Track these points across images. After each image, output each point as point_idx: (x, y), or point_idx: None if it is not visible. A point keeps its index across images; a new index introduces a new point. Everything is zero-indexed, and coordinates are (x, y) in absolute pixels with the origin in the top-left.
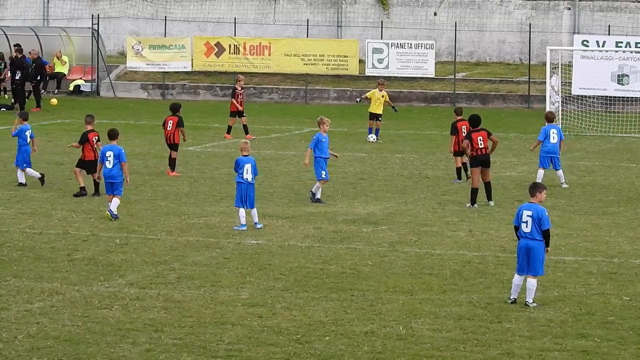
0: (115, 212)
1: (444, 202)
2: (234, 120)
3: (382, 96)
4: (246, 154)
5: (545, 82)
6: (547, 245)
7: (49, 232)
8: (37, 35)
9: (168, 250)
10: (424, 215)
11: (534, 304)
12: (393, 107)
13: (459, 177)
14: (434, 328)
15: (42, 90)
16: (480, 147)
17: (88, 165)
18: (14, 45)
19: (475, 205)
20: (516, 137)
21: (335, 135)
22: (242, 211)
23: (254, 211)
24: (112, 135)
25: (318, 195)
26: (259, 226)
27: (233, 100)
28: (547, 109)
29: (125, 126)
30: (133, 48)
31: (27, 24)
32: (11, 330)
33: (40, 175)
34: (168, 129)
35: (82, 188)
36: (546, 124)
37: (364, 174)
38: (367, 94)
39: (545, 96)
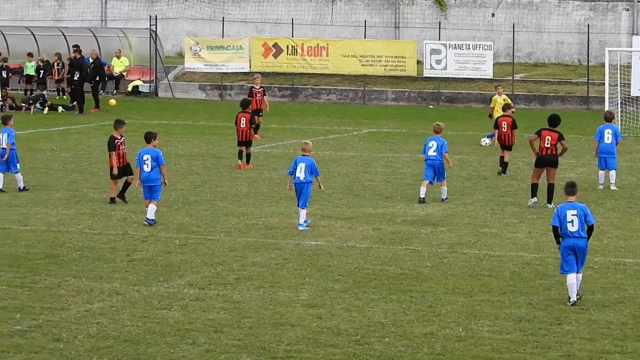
0: (153, 218)
1: (502, 204)
2: (258, 118)
3: (504, 100)
4: (306, 154)
5: (604, 83)
6: (588, 239)
7: (109, 232)
8: (95, 36)
9: (227, 251)
10: (483, 217)
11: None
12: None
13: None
14: (493, 330)
15: (101, 91)
16: (547, 146)
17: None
18: (73, 46)
19: (535, 198)
20: (575, 139)
21: (394, 137)
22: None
23: (303, 211)
24: (149, 138)
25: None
26: (301, 227)
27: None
28: (607, 109)
29: (183, 127)
30: (191, 49)
31: (86, 25)
32: (71, 330)
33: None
34: (242, 126)
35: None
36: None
37: (423, 175)
38: (491, 105)
39: (604, 97)
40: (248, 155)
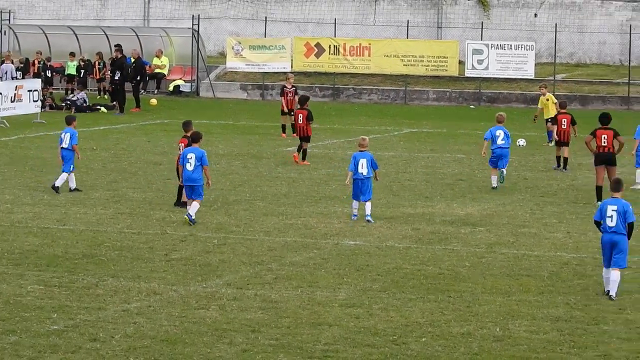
0: (194, 217)
1: (541, 204)
2: (285, 118)
3: (547, 99)
4: (363, 150)
5: None
6: (629, 237)
7: (147, 232)
8: (137, 36)
9: (266, 250)
10: (522, 217)
11: (615, 297)
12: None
13: (558, 165)
14: (531, 330)
15: (142, 91)
16: (604, 145)
17: None
18: (115, 46)
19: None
20: None
21: (435, 137)
22: (355, 203)
23: (369, 204)
24: (195, 138)
25: None
26: (368, 218)
27: (282, 99)
28: None
29: (224, 126)
30: (233, 48)
31: (128, 25)
32: (108, 330)
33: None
34: (299, 122)
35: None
36: None
37: (463, 175)
38: (539, 106)
39: None
40: (304, 152)
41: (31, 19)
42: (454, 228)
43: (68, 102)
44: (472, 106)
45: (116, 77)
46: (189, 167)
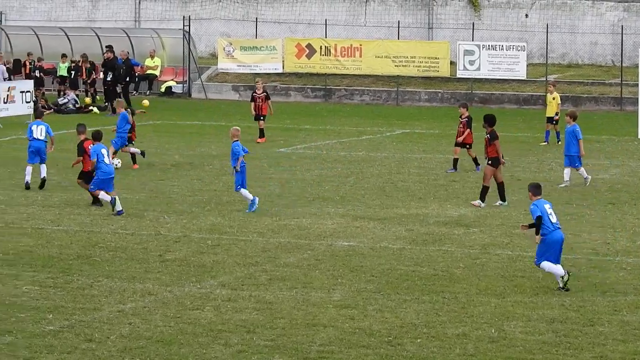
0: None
1: None
2: (260, 123)
3: (554, 98)
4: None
5: (637, 84)
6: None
7: (141, 232)
8: (128, 37)
9: (260, 251)
10: (516, 218)
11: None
12: (556, 114)
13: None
14: (526, 331)
15: (133, 92)
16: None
17: (88, 176)
18: (106, 47)
19: None
20: (608, 140)
21: (427, 137)
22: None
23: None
24: (97, 136)
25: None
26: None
27: (251, 104)
28: None
29: (216, 127)
30: (224, 49)
31: (119, 26)
32: (104, 330)
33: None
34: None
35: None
36: None
37: (455, 175)
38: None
39: (638, 98)
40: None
41: (23, 21)
42: (448, 229)
43: (54, 108)
44: None
45: (108, 78)
46: (107, 160)
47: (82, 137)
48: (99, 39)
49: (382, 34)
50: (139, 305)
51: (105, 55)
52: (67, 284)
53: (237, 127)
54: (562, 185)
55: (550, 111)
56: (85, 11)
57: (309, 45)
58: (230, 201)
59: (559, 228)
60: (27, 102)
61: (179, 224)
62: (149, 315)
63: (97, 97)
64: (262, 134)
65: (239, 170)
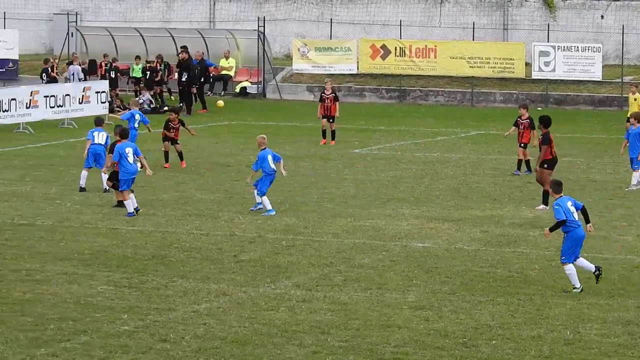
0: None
1: (611, 206)
2: (330, 124)
3: (635, 99)
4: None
5: None
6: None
7: (216, 233)
8: (203, 37)
9: (334, 252)
10: (591, 219)
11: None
12: None
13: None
14: (601, 333)
15: (208, 92)
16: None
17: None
18: (181, 47)
19: None
20: None
21: (502, 139)
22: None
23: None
24: (123, 134)
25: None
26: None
27: (319, 105)
28: None
29: (291, 128)
30: (299, 50)
31: (194, 27)
32: (178, 331)
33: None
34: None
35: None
36: None
37: (531, 177)
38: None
39: None
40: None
41: (98, 21)
42: (523, 230)
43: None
44: (539, 108)
45: (183, 79)
46: (130, 160)
47: (118, 138)
48: (173, 39)
49: (456, 35)
50: (213, 306)
51: (180, 55)
52: (142, 284)
53: (264, 135)
54: (630, 188)
55: (632, 112)
56: (160, 12)
57: (383, 46)
58: (305, 202)
59: (580, 226)
60: (102, 103)
61: (254, 224)
62: (223, 316)
63: (172, 97)
64: (333, 136)
65: (250, 182)
